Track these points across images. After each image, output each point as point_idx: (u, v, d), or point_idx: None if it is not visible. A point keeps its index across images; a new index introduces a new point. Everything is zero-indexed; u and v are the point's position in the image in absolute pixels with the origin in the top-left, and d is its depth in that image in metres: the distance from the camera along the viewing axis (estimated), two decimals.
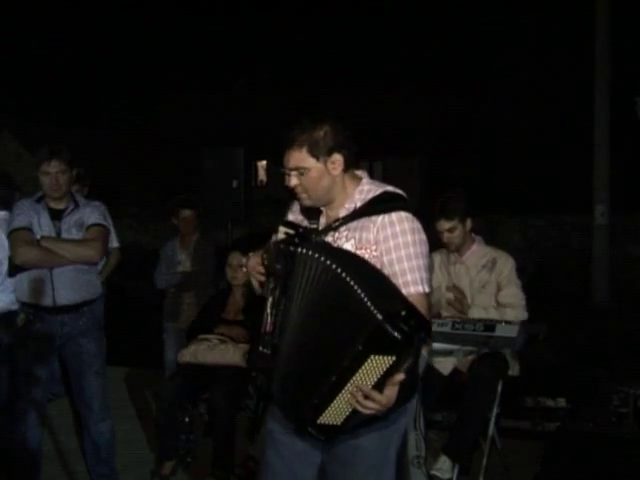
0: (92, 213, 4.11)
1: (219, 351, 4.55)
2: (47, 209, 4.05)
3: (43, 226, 4.01)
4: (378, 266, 2.51)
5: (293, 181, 2.60)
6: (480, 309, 4.27)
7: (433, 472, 4.07)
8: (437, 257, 4.50)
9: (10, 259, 4.11)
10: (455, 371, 4.35)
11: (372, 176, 2.74)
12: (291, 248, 2.44)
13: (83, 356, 4.09)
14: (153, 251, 7.36)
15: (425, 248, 2.58)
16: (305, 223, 2.67)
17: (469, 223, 4.36)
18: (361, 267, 2.43)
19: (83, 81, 32.22)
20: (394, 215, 2.54)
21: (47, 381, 4.13)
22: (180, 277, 5.92)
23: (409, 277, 2.51)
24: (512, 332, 4.07)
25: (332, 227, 2.60)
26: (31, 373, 4.02)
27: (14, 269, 4.09)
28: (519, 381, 4.40)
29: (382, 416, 2.39)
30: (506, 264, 4.36)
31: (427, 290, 2.56)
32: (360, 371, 2.26)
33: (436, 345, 4.18)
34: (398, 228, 2.53)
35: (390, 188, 2.63)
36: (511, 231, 14.69)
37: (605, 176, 11.89)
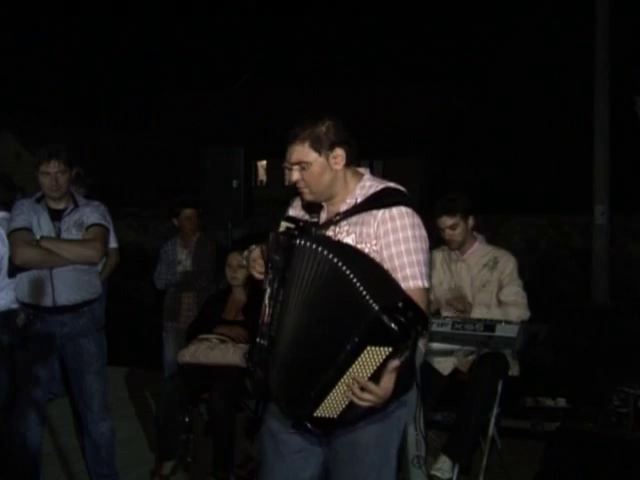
0: (92, 213, 4.11)
1: (219, 351, 4.55)
2: (47, 209, 4.05)
3: (43, 226, 4.00)
4: (378, 260, 2.52)
5: (295, 176, 2.61)
6: (482, 307, 4.27)
7: (433, 472, 4.07)
8: (439, 255, 4.49)
9: (10, 260, 4.11)
10: (455, 371, 4.35)
11: (372, 174, 2.75)
12: (290, 240, 2.46)
13: (83, 356, 4.09)
14: (153, 251, 7.36)
15: (425, 243, 2.59)
16: (306, 218, 2.69)
17: (471, 221, 4.36)
18: (360, 260, 2.44)
19: (83, 81, 32.24)
20: (395, 210, 2.54)
21: (47, 381, 4.12)
22: (180, 277, 5.92)
23: (408, 272, 2.52)
24: (512, 332, 4.07)
25: (333, 221, 2.61)
26: (31, 373, 4.01)
27: (14, 269, 4.09)
28: (519, 381, 4.40)
29: (379, 408, 2.39)
30: (508, 263, 4.35)
31: (426, 285, 2.56)
32: (356, 363, 2.27)
33: (436, 345, 4.18)
34: (398, 223, 2.53)
35: (391, 184, 2.64)
36: (511, 231, 14.68)
37: (605, 176, 11.89)
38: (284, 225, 2.61)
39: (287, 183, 2.75)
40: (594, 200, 11.94)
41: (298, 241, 2.42)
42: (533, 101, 22.33)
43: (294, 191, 2.70)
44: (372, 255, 2.53)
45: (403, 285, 2.47)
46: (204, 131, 25.47)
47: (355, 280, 2.28)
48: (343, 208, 2.61)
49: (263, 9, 32.71)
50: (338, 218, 2.60)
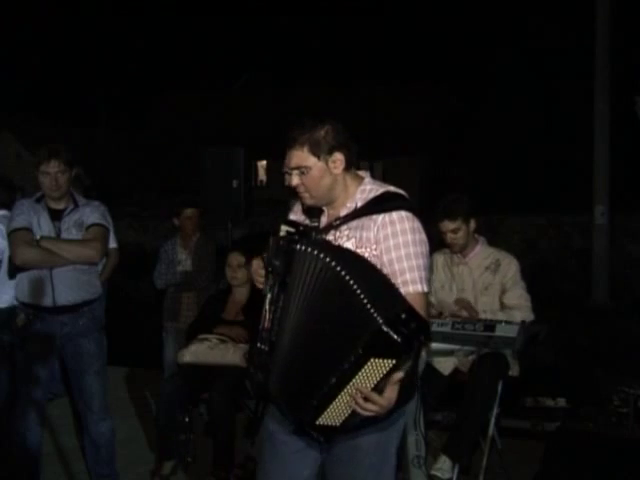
0: (92, 213, 4.11)
1: (219, 351, 4.55)
2: (47, 209, 4.05)
3: (43, 226, 4.00)
4: (378, 265, 2.51)
5: (295, 180, 2.60)
6: (488, 314, 4.25)
7: (433, 472, 4.07)
8: (440, 258, 4.49)
9: (10, 260, 4.11)
10: (455, 371, 4.35)
11: (372, 176, 2.75)
12: (291, 244, 2.45)
13: (83, 356, 4.09)
14: (153, 251, 7.36)
15: (425, 248, 2.58)
16: (307, 222, 2.68)
17: (473, 224, 4.35)
18: (361, 266, 2.43)
19: (83, 81, 32.22)
20: (395, 214, 2.54)
21: (47, 381, 4.12)
22: (180, 277, 5.92)
23: (408, 276, 2.51)
24: (512, 332, 4.07)
25: (333, 226, 2.60)
26: (31, 373, 4.01)
27: (14, 270, 4.09)
28: (519, 381, 4.40)
29: (382, 416, 2.39)
30: (510, 266, 4.34)
31: (426, 289, 2.55)
32: (360, 374, 2.26)
33: (436, 345, 4.17)
34: (398, 227, 2.53)
35: (392, 188, 2.64)
36: (511, 231, 14.68)
37: (605, 176, 11.89)
38: (284, 229, 2.60)
39: (286, 184, 2.75)
40: (594, 200, 11.93)
41: (299, 246, 2.41)
42: (533, 101, 22.34)
43: (292, 192, 2.69)
44: (372, 259, 2.52)
45: (403, 290, 2.47)
46: (204, 131, 25.48)
47: (357, 289, 2.27)
48: (343, 212, 2.61)
49: (263, 9, 32.70)
50: (338, 222, 2.59)
